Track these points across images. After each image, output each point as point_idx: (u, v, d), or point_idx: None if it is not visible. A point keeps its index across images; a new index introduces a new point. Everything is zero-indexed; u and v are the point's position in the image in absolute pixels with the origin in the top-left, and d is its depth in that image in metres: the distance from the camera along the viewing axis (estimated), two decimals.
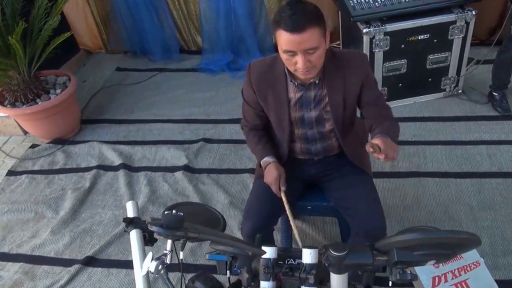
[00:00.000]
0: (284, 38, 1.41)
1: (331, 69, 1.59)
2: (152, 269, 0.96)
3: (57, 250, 2.42)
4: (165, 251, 1.01)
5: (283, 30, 1.40)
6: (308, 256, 1.11)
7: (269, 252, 1.14)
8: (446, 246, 0.95)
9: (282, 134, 1.75)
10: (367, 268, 1.03)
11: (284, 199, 1.67)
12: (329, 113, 1.66)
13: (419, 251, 0.96)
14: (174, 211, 0.96)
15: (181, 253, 1.04)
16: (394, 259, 0.97)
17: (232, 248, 1.10)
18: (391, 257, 0.98)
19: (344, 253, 1.01)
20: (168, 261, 1.00)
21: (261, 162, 1.76)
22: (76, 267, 2.29)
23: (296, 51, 1.41)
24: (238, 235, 2.33)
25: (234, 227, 2.40)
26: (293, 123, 1.71)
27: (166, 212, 0.96)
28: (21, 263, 2.37)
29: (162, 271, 0.97)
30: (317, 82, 1.60)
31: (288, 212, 1.66)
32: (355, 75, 1.61)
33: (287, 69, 1.58)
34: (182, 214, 0.97)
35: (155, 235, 1.18)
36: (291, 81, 1.61)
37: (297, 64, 1.45)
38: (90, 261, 2.32)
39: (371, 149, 1.32)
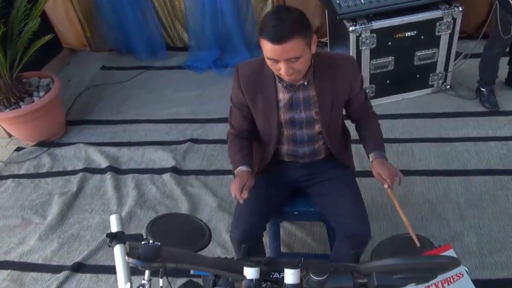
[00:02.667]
0: (266, 47, 1.42)
1: (320, 72, 1.60)
2: None
3: (45, 256, 2.40)
4: (143, 281, 1.00)
5: (265, 40, 1.40)
6: (290, 277, 1.10)
7: (250, 273, 1.12)
8: (425, 270, 0.95)
9: (270, 136, 1.74)
10: None
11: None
12: (318, 114, 1.66)
13: (399, 275, 0.96)
14: (151, 241, 0.95)
15: (161, 280, 1.03)
16: (374, 283, 0.97)
17: (213, 271, 1.09)
18: (371, 281, 0.98)
19: (324, 277, 1.00)
20: None
21: (236, 170, 1.72)
22: (64, 273, 2.27)
23: (278, 59, 1.43)
24: (227, 238, 2.33)
25: (223, 230, 2.39)
26: (282, 125, 1.70)
27: (143, 242, 0.94)
28: (9, 270, 2.35)
29: None
30: (305, 84, 1.60)
31: None
32: (343, 78, 1.62)
33: None
34: (159, 244, 0.95)
35: None
36: (279, 82, 1.61)
37: (280, 71, 1.47)
38: (79, 267, 2.30)
39: (386, 185, 1.58)
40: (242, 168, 1.69)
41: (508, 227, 2.23)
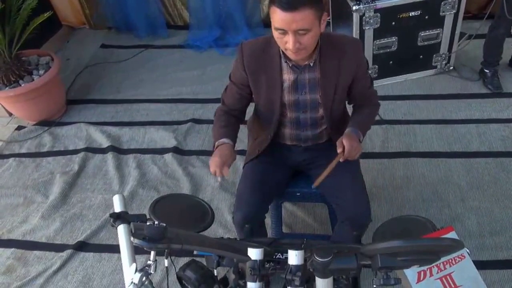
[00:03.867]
0: (277, 16, 1.38)
1: (326, 53, 1.57)
2: (136, 281, 0.95)
3: (48, 235, 2.42)
4: (148, 262, 1.00)
5: (276, 7, 1.37)
6: (294, 258, 1.11)
7: (255, 254, 1.13)
8: (429, 253, 0.95)
9: (271, 117, 1.73)
10: (352, 272, 1.04)
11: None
12: (322, 98, 1.65)
13: (403, 257, 0.96)
14: (156, 222, 0.95)
15: (166, 261, 1.04)
16: (378, 264, 0.98)
17: (217, 252, 1.10)
18: (375, 262, 0.99)
19: (328, 258, 1.01)
20: (152, 271, 1.00)
21: (217, 142, 1.65)
22: (68, 252, 2.30)
23: (287, 30, 1.39)
24: (229, 218, 2.35)
25: (225, 211, 2.41)
26: (286, 106, 1.68)
27: (148, 224, 0.95)
28: (13, 249, 2.38)
29: (146, 282, 0.97)
30: (311, 65, 1.58)
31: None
32: (349, 61, 1.60)
33: (282, 49, 1.56)
34: (164, 225, 0.95)
35: None
36: (285, 62, 1.58)
37: (287, 44, 1.43)
38: (82, 246, 2.33)
39: (340, 149, 1.56)
40: (223, 140, 1.64)
41: (509, 209, 2.24)
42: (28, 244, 2.39)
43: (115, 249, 2.30)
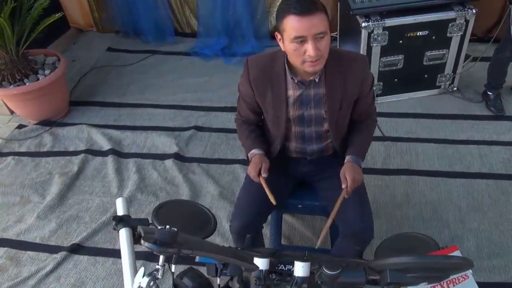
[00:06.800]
0: (293, 24, 1.38)
1: (332, 68, 1.57)
2: (144, 285, 0.94)
3: (43, 236, 2.39)
4: (157, 266, 0.99)
5: (292, 14, 1.37)
6: (300, 270, 1.10)
7: (261, 263, 1.12)
8: (439, 270, 0.95)
9: (278, 131, 1.73)
10: (359, 286, 1.03)
11: (264, 185, 1.62)
12: (327, 113, 1.65)
13: (413, 273, 0.96)
14: (168, 227, 0.94)
15: (173, 266, 1.02)
16: (387, 280, 0.97)
17: (225, 259, 1.09)
18: (384, 277, 0.98)
19: (337, 271, 1.00)
20: (160, 276, 0.98)
21: (249, 154, 1.75)
22: (62, 254, 2.27)
23: (306, 35, 1.38)
24: (227, 227, 2.33)
25: (223, 219, 2.39)
26: (291, 121, 1.69)
27: (159, 228, 0.94)
28: (6, 248, 2.34)
29: (154, 287, 0.95)
30: (317, 80, 1.58)
31: (269, 196, 1.61)
32: (355, 77, 1.60)
33: (287, 65, 1.56)
34: (175, 230, 0.94)
35: None
36: (291, 78, 1.58)
37: (307, 53, 1.41)
38: (77, 249, 2.30)
39: (344, 185, 1.58)
40: (254, 151, 1.72)
41: (508, 232, 2.24)
42: (22, 244, 2.36)
43: (110, 253, 2.28)
